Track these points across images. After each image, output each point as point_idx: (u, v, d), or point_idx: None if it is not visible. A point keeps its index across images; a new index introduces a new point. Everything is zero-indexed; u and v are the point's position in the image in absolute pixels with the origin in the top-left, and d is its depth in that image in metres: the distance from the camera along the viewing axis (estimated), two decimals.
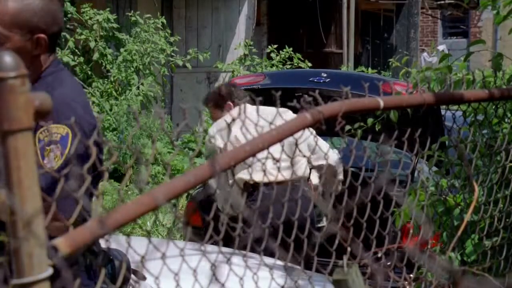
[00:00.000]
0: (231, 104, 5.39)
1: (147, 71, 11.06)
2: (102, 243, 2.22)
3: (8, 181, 1.20)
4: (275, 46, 12.81)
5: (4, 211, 1.19)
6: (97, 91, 10.66)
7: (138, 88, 10.80)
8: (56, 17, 2.46)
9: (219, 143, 5.22)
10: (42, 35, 2.41)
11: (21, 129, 1.22)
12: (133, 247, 1.39)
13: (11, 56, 1.24)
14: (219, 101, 5.46)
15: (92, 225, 1.25)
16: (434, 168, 3.09)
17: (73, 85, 2.53)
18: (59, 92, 2.38)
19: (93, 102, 10.33)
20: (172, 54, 11.38)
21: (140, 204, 1.29)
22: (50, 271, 1.19)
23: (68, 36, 10.64)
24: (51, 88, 2.36)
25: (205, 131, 11.60)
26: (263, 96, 2.34)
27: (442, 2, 19.03)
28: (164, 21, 11.41)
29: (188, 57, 11.70)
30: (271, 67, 12.57)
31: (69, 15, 10.69)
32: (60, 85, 2.44)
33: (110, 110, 10.49)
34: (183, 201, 7.11)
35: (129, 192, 8.43)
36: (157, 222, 7.73)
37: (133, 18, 11.18)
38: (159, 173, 9.91)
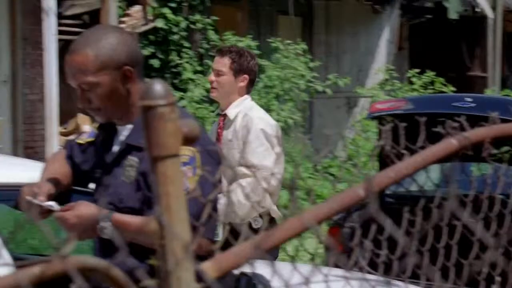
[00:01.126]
0: (247, 78, 4.50)
1: (287, 97, 11.13)
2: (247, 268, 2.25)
3: (158, 206, 1.22)
4: (417, 70, 12.63)
5: (156, 236, 1.22)
6: None
7: (278, 114, 10.89)
8: (132, 46, 2.56)
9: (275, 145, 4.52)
10: (127, 67, 2.49)
11: (170, 155, 1.25)
12: (278, 272, 1.39)
13: (160, 84, 1.27)
14: (242, 67, 4.49)
15: (239, 249, 1.26)
16: None
17: (181, 109, 2.64)
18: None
19: None
20: (311, 79, 11.41)
21: (289, 228, 1.30)
22: None
23: (210, 63, 10.87)
24: None
25: (350, 158, 11.55)
26: (406, 121, 2.30)
27: None
28: (305, 46, 11.47)
29: (328, 82, 11.70)
30: (411, 91, 12.40)
31: (212, 43, 10.92)
32: None
33: None
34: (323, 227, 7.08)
35: None
36: (300, 247, 7.73)
37: (273, 44, 11.30)
38: (298, 198, 9.93)
